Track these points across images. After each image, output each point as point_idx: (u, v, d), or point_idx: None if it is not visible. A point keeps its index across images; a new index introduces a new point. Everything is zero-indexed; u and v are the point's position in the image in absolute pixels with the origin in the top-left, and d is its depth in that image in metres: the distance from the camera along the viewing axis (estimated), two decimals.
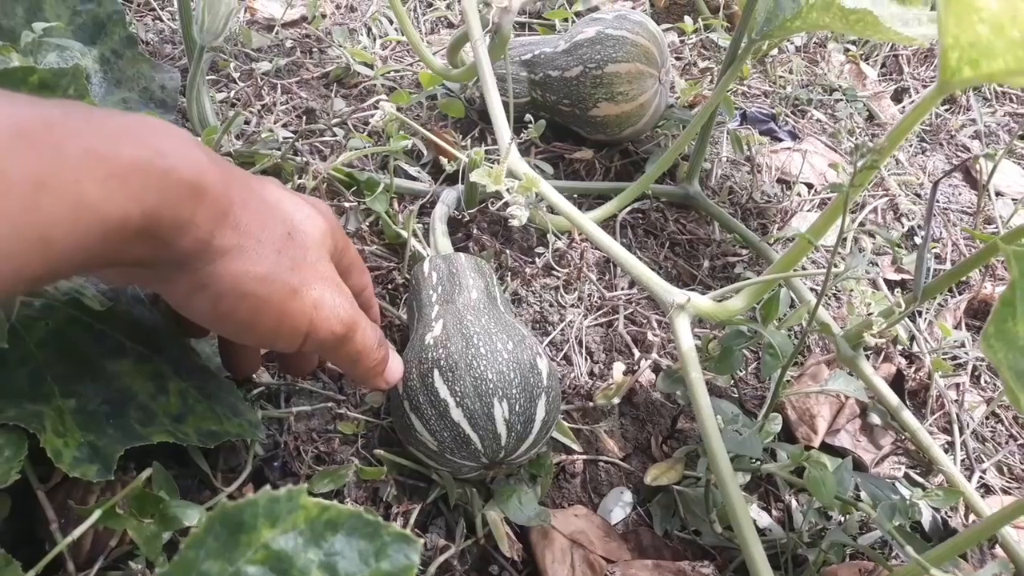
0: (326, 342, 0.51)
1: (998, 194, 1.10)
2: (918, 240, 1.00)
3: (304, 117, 0.98)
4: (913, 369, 0.83)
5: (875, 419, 0.78)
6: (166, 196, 0.40)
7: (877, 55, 1.34)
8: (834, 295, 0.92)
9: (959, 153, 1.19)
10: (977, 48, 0.49)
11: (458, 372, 0.58)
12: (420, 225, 0.85)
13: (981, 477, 0.76)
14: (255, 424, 0.60)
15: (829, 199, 1.02)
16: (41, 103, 0.38)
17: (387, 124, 0.83)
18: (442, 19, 1.23)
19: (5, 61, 0.62)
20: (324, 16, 1.16)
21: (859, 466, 0.74)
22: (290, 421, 0.66)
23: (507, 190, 0.70)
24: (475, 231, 0.85)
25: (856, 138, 1.16)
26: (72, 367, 0.54)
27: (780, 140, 1.11)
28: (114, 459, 0.50)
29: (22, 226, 0.34)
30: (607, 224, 0.93)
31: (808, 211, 1.02)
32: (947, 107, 1.29)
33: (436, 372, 0.58)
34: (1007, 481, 0.77)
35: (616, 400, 0.74)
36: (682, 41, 1.25)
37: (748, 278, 0.88)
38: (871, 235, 0.99)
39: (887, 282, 0.94)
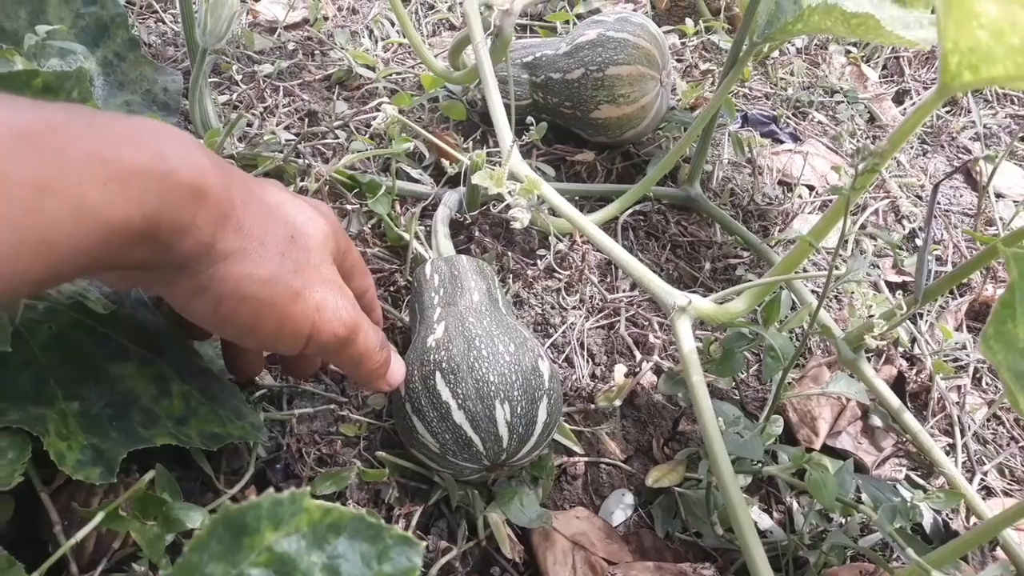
0: (328, 345, 0.51)
1: (999, 196, 1.10)
2: (919, 242, 1.00)
3: (306, 119, 0.98)
4: (914, 371, 0.83)
5: (876, 421, 0.78)
6: (167, 199, 0.40)
7: (878, 57, 1.34)
8: (835, 297, 0.92)
9: (960, 155, 1.19)
10: (977, 53, 0.49)
11: (460, 374, 0.58)
12: (422, 227, 0.85)
13: (982, 479, 0.76)
14: (258, 426, 0.60)
15: (830, 201, 1.02)
16: (44, 106, 0.38)
17: (389, 126, 0.83)
18: (444, 21, 1.24)
19: (9, 64, 0.62)
20: (326, 18, 1.16)
21: (860, 468, 0.74)
22: (292, 423, 0.66)
23: (509, 192, 0.70)
24: (477, 233, 0.85)
25: (857, 140, 1.16)
26: (75, 370, 0.54)
27: (781, 142, 1.11)
28: (117, 462, 0.50)
29: (24, 229, 0.34)
30: (608, 226, 0.93)
31: (809, 213, 1.02)
32: (948, 109, 1.29)
33: (438, 374, 0.58)
34: (1008, 483, 0.77)
35: (617, 402, 0.74)
36: (683, 43, 1.25)
37: (749, 280, 0.88)
38: (872, 237, 0.99)
39: (888, 284, 0.94)
